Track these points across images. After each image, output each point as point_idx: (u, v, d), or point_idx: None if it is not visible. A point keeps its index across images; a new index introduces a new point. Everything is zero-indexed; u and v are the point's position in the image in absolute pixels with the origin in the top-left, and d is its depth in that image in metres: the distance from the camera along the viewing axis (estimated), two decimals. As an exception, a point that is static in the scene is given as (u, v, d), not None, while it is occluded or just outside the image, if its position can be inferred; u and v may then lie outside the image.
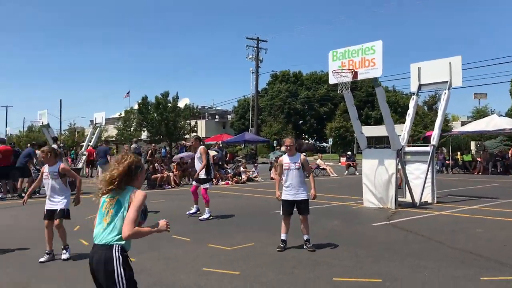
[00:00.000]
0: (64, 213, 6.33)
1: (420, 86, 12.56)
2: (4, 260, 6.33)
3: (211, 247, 6.99)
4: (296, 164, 6.80)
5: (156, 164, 17.62)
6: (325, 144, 64.60)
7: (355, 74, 10.84)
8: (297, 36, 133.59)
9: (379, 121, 50.40)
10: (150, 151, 18.80)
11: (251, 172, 21.00)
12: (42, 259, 6.19)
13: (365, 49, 10.64)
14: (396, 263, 6.03)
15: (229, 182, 19.25)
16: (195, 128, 54.96)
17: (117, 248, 2.88)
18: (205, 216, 9.66)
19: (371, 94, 54.09)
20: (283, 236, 6.82)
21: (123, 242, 2.90)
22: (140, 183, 3.19)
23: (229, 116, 77.42)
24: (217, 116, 78.66)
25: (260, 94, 57.70)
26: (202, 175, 9.76)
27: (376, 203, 11.38)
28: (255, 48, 48.07)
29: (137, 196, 2.97)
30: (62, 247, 6.39)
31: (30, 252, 6.71)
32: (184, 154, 22.99)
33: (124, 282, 2.87)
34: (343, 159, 31.24)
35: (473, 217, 9.82)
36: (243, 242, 7.30)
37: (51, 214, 6.33)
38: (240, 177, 19.96)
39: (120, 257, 2.87)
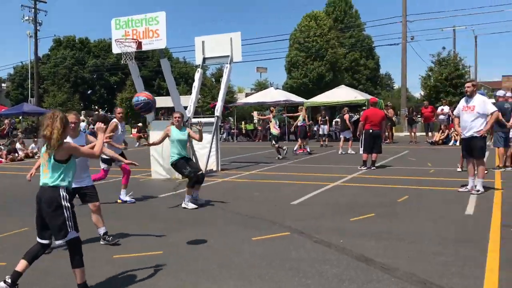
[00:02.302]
0: None
1: (204, 59, 12.97)
2: None
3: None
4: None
5: None
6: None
7: (139, 44, 10.58)
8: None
9: (171, 92, 50.75)
10: None
11: (30, 148, 18.86)
12: None
13: (149, 19, 10.43)
14: (182, 233, 6.15)
15: (3, 160, 17.02)
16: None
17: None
18: None
19: (163, 64, 53.93)
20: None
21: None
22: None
23: (3, 85, 68.07)
24: (-12, 85, 68.41)
25: (41, 61, 52.26)
26: None
27: (164, 174, 11.50)
28: (33, 9, 42.97)
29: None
30: None
31: None
32: None
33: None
34: (134, 131, 30.63)
35: (252, 182, 10.78)
36: (15, 228, 6.53)
37: None
38: (16, 154, 17.81)
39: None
